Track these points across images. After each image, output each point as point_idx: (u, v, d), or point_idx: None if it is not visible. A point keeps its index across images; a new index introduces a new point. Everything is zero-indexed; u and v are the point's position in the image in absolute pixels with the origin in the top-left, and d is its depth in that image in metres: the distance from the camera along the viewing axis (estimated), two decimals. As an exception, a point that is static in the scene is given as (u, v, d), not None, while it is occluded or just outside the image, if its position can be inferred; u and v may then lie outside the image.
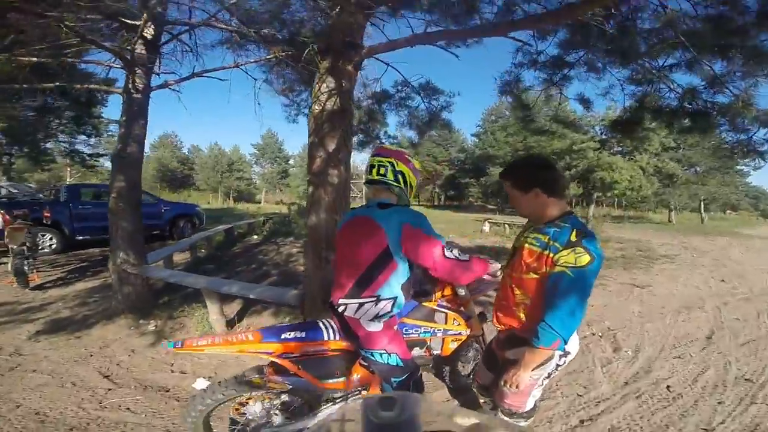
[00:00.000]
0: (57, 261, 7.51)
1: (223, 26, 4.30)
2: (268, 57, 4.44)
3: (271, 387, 1.76)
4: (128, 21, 3.93)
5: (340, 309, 1.75)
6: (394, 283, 1.71)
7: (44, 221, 7.37)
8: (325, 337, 1.81)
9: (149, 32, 4.16)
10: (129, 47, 4.17)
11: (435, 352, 2.13)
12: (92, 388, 2.79)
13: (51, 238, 8.15)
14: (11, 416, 2.41)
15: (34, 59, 4.12)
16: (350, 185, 3.68)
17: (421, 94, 5.13)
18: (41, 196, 9.74)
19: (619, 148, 24.01)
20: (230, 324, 3.97)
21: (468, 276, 1.74)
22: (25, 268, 5.45)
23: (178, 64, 4.97)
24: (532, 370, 1.53)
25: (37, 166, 14.07)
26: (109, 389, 2.77)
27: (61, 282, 5.95)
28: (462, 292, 2.16)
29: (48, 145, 12.45)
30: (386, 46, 3.58)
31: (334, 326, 1.85)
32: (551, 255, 1.44)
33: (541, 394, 1.74)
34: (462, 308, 2.22)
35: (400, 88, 5.13)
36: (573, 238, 1.43)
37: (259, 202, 30.75)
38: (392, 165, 1.77)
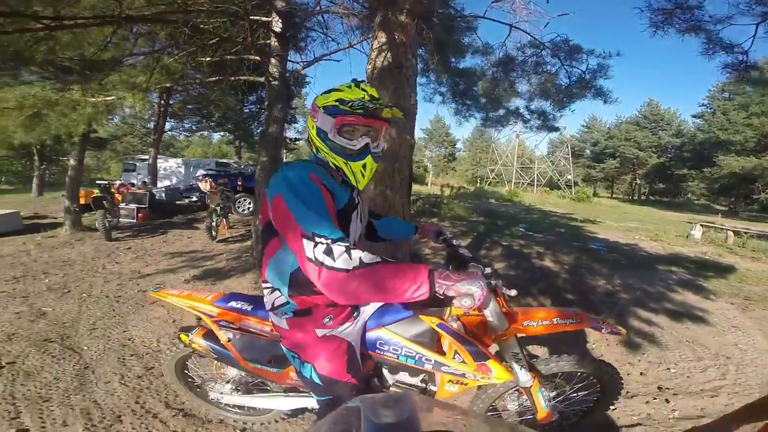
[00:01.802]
0: (250, 221, 9.52)
1: (339, 11, 4.43)
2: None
3: (196, 350, 1.72)
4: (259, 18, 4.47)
5: None
6: (275, 269, 1.26)
7: (238, 189, 9.52)
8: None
9: (278, 26, 4.63)
10: (264, 42, 4.78)
11: (431, 388, 1.56)
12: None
13: (249, 202, 10.41)
14: (113, 335, 3.13)
15: (207, 59, 5.17)
16: (411, 156, 3.16)
17: (560, 57, 4.09)
18: (248, 169, 12.75)
19: None
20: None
21: (362, 295, 0.97)
22: (214, 224, 7.09)
23: (310, 53, 5.47)
24: None
25: (252, 147, 18.42)
26: (191, 331, 3.29)
27: (240, 238, 7.46)
28: (490, 318, 1.41)
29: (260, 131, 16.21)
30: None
31: None
32: None
33: None
34: (490, 338, 1.52)
35: (527, 50, 4.20)
36: None
37: (427, 184, 32.07)
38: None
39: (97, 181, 9.12)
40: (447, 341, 1.46)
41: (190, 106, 14.32)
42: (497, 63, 4.58)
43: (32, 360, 2.64)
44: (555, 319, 1.55)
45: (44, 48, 4.05)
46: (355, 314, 1.42)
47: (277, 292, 1.28)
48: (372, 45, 3.03)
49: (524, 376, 1.52)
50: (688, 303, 4.50)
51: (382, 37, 2.92)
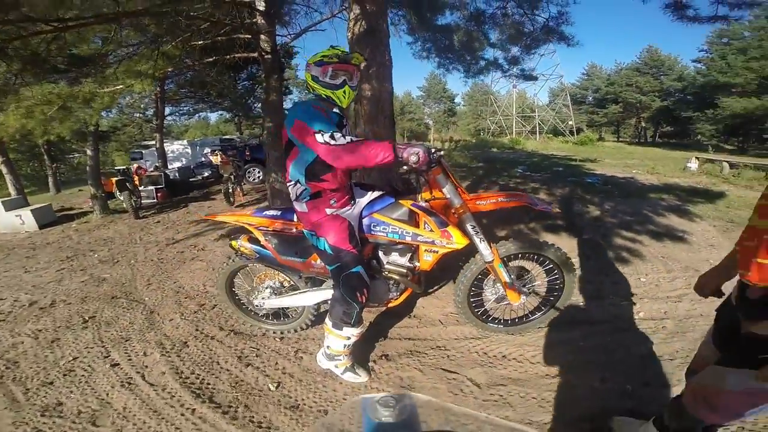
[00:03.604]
0: (261, 188, 9.95)
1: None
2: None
3: (243, 252, 2.28)
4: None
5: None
6: (296, 168, 1.90)
7: (246, 159, 10.17)
8: (295, 219, 2.13)
9: (261, 5, 4.91)
10: (251, 21, 5.07)
11: (416, 264, 2.12)
12: (221, 274, 3.95)
13: (258, 172, 10.92)
14: (166, 286, 3.73)
15: (201, 42, 5.47)
16: (390, 99, 3.78)
17: (524, 6, 4.38)
18: (253, 141, 13.23)
19: None
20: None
21: (352, 160, 1.63)
22: (230, 190, 7.75)
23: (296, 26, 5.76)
24: None
25: (252, 122, 18.70)
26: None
27: (255, 201, 8.12)
28: (448, 195, 1.94)
29: (258, 105, 16.42)
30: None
31: None
32: None
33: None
34: (453, 216, 2.01)
35: (493, 2, 4.51)
36: None
37: (430, 140, 32.09)
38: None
39: (116, 168, 9.67)
40: (420, 217, 2.02)
41: (184, 89, 14.54)
42: (469, 17, 4.86)
43: (108, 312, 3.23)
44: (500, 198, 2.06)
45: (54, 48, 4.42)
46: (352, 202, 2.04)
47: (298, 184, 1.90)
48: (350, 15, 3.58)
49: (485, 249, 2.02)
50: (671, 225, 4.79)
51: (356, 9, 3.50)
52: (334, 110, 1.91)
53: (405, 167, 1.68)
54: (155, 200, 9.11)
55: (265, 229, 2.18)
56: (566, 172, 9.70)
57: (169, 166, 13.40)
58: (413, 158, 1.61)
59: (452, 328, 2.62)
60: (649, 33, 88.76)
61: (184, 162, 14.50)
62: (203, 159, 13.29)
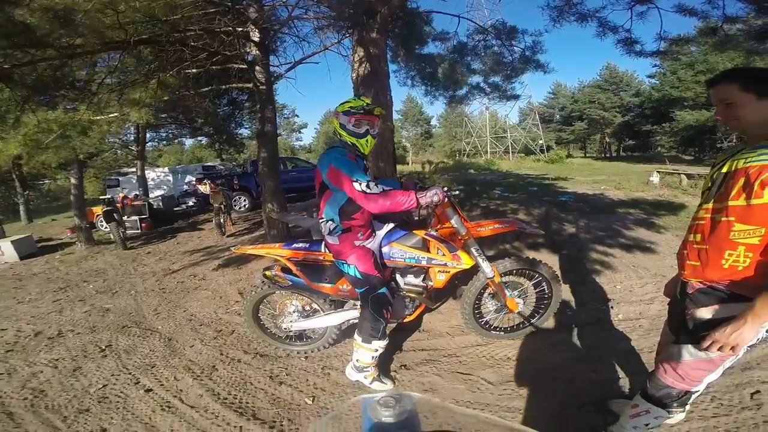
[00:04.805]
0: (248, 217, 10.05)
1: (308, 17, 5.03)
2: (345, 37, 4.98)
3: (277, 281, 2.51)
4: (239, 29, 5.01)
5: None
6: (330, 207, 2.14)
7: (234, 187, 10.09)
8: (323, 249, 2.40)
9: (256, 36, 5.17)
10: (245, 50, 5.30)
11: (429, 283, 2.43)
12: (229, 301, 4.04)
13: (245, 200, 10.92)
14: (177, 315, 3.82)
15: (194, 70, 5.66)
16: (391, 136, 4.05)
17: (503, 38, 4.86)
18: (237, 169, 13.15)
19: None
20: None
21: (385, 206, 1.91)
22: (221, 221, 7.75)
23: (289, 57, 6.01)
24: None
25: (234, 149, 18.69)
26: (237, 301, 3.97)
27: (246, 231, 8.16)
28: (455, 225, 2.28)
29: (239, 131, 16.57)
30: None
31: None
32: None
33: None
34: (459, 242, 2.36)
35: (474, 36, 4.97)
36: None
37: (408, 163, 32.86)
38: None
39: (101, 197, 9.54)
40: (432, 244, 2.34)
41: (165, 114, 14.46)
42: (453, 49, 5.32)
43: (123, 341, 3.30)
44: (496, 225, 2.44)
45: (60, 75, 4.51)
46: (374, 234, 2.33)
47: (330, 222, 2.15)
48: (353, 58, 3.90)
49: (487, 268, 2.37)
50: (639, 237, 5.21)
51: (360, 52, 3.82)
52: (359, 157, 2.13)
53: (426, 204, 1.99)
54: (140, 231, 9.01)
55: (296, 259, 2.43)
56: (541, 192, 10.23)
57: (150, 195, 13.20)
58: (436, 198, 1.96)
59: (459, 338, 2.88)
60: (609, 49, 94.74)
61: (165, 190, 14.32)
62: (187, 187, 13.16)
